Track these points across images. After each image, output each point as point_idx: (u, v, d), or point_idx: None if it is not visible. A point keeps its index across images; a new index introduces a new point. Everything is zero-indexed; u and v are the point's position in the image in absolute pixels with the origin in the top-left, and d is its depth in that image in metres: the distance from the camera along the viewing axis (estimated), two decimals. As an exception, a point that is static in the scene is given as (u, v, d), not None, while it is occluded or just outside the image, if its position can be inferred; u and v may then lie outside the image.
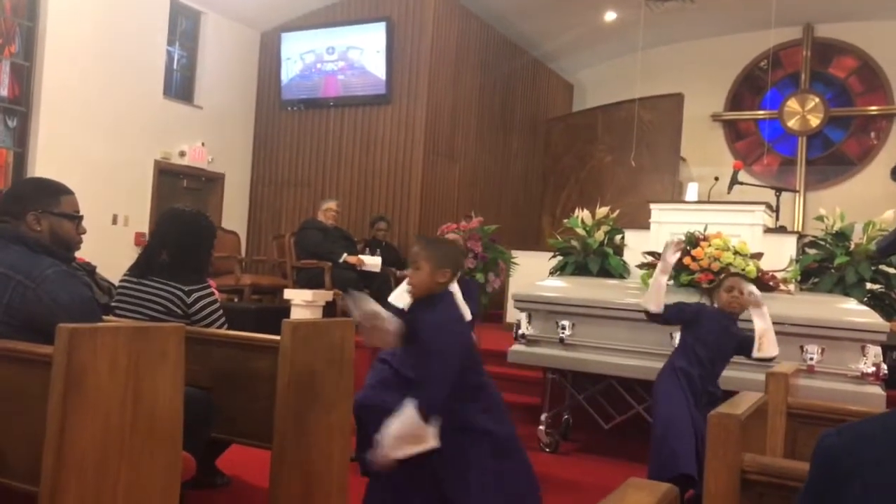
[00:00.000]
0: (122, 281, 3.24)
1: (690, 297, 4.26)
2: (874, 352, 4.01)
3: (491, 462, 2.52)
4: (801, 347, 4.07)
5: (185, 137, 8.86)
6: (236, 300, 7.46)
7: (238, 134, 9.73)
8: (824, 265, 5.25)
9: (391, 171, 9.03)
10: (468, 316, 3.28)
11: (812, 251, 5.39)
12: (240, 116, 9.74)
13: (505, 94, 10.56)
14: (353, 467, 3.04)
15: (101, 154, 7.86)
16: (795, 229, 8.65)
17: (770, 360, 3.48)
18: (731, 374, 3.71)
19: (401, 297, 3.53)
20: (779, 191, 6.60)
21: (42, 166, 7.33)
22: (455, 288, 3.26)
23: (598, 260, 5.36)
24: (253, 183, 9.95)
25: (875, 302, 5.01)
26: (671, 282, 4.61)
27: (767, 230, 5.31)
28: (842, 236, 5.24)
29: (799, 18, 10.63)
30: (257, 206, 9.92)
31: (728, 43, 11.15)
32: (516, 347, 4.83)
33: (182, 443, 2.30)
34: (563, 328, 4.62)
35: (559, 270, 5.55)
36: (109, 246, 6.81)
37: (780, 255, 4.96)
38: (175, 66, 9.04)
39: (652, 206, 5.57)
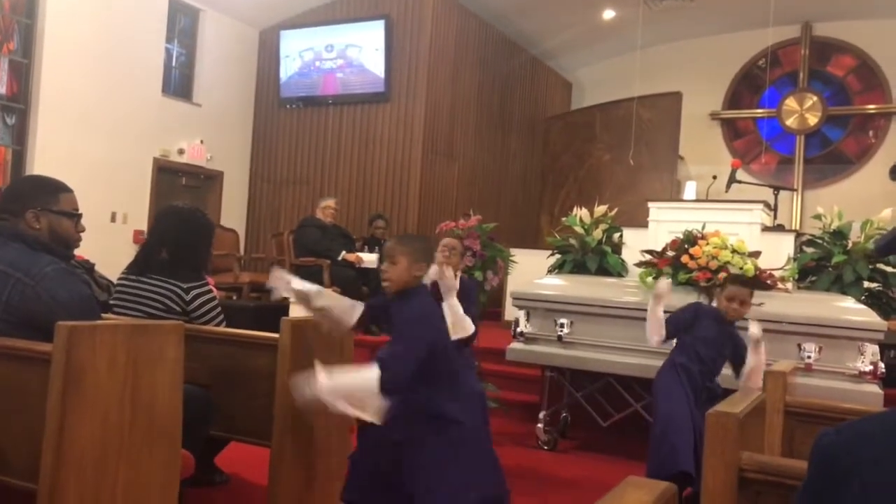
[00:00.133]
0: (120, 279, 3.24)
1: (689, 296, 4.27)
2: (872, 350, 4.02)
3: (455, 451, 2.55)
4: (799, 346, 4.07)
5: (183, 135, 8.85)
6: (235, 298, 7.46)
7: (237, 132, 9.72)
8: (822, 264, 5.25)
9: (390, 169, 9.03)
10: (469, 327, 3.41)
11: (810, 250, 5.39)
12: (238, 114, 9.73)
13: (504, 92, 10.56)
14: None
15: (100, 152, 7.85)
16: (793, 228, 8.65)
17: None
18: (730, 371, 3.71)
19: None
20: (777, 189, 6.60)
21: (41, 164, 7.33)
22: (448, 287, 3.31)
23: (597, 258, 5.36)
24: (252, 181, 9.94)
25: (873, 300, 5.01)
26: (669, 280, 4.61)
27: (765, 229, 5.31)
28: (839, 235, 5.24)
29: (797, 17, 10.63)
30: (256, 204, 9.92)
31: (726, 41, 11.15)
32: (514, 345, 4.83)
33: (181, 440, 2.30)
34: (562, 326, 4.63)
35: (557, 268, 5.55)
36: (108, 244, 6.80)
37: (777, 253, 4.96)
38: (174, 64, 9.03)
39: (650, 204, 5.57)
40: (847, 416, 2.14)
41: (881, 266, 5.11)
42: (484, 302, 5.47)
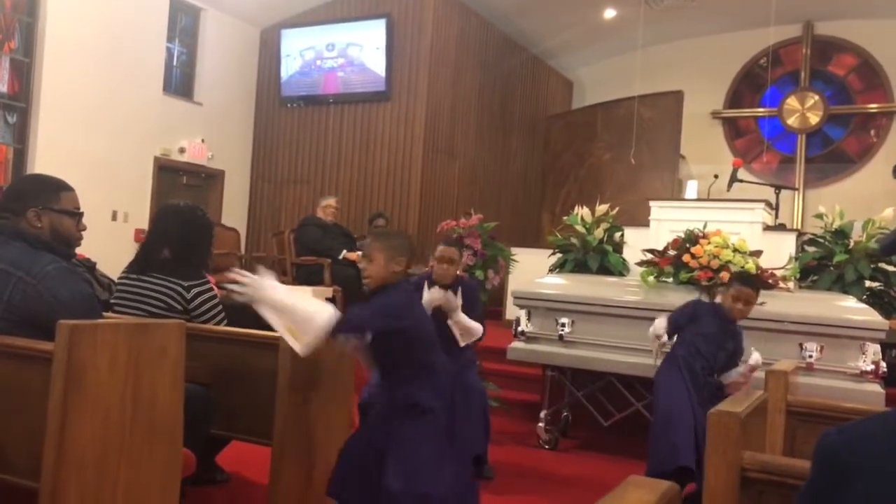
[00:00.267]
0: (121, 278, 3.24)
1: (690, 295, 4.26)
2: (873, 349, 4.02)
3: (427, 442, 2.58)
4: (801, 345, 4.07)
5: (184, 134, 8.85)
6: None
7: (238, 131, 9.72)
8: (823, 263, 5.25)
9: (391, 168, 9.03)
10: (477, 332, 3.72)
11: (811, 249, 5.40)
12: (239, 113, 9.73)
13: (504, 91, 10.55)
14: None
15: (101, 150, 7.85)
16: (795, 227, 8.65)
17: None
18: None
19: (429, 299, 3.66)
20: (778, 188, 6.59)
21: (42, 163, 7.33)
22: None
23: (598, 257, 5.36)
24: (253, 179, 9.94)
25: (874, 300, 5.01)
26: (670, 279, 4.61)
27: (767, 228, 5.31)
28: (841, 234, 5.24)
29: (799, 16, 10.62)
30: (257, 203, 9.92)
31: (728, 40, 11.15)
32: (516, 344, 4.83)
33: (182, 439, 2.30)
34: (563, 325, 4.63)
35: (559, 268, 5.55)
36: (109, 242, 6.80)
37: (779, 252, 4.96)
38: (175, 63, 9.03)
39: (651, 203, 5.57)
40: (849, 415, 2.14)
41: (883, 265, 5.11)
42: (485, 301, 5.47)
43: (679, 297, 4.09)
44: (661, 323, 3.76)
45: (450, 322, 3.86)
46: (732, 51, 11.22)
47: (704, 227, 4.78)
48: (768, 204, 5.61)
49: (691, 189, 7.21)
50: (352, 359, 2.99)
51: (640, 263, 4.92)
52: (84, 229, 2.54)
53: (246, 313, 2.67)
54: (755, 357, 3.53)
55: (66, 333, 1.95)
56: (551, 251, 5.77)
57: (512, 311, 6.49)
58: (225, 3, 9.22)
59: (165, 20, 8.62)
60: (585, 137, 10.59)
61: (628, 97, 10.00)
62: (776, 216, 6.16)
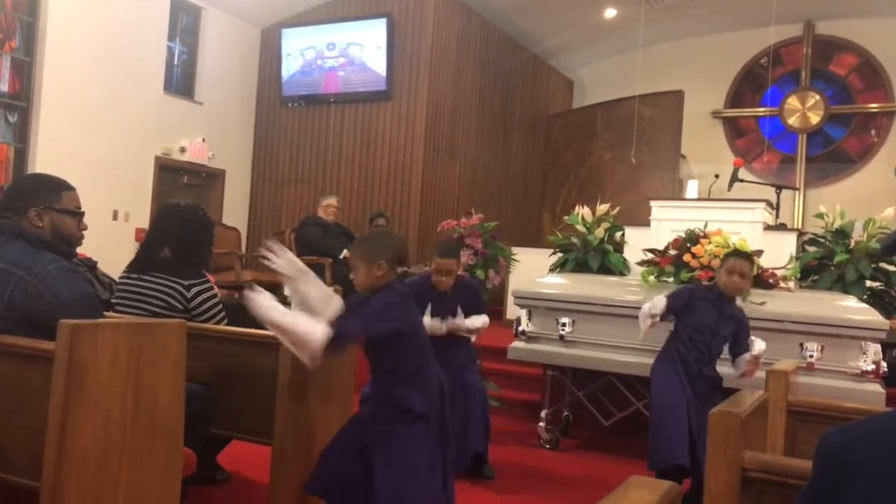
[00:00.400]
0: (122, 277, 3.24)
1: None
2: (874, 349, 4.02)
3: (420, 447, 2.61)
4: (801, 345, 4.07)
5: (185, 133, 8.85)
6: (237, 296, 7.46)
7: (238, 130, 9.72)
8: (824, 263, 5.25)
9: (391, 167, 9.03)
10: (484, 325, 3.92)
11: (812, 249, 5.39)
12: (240, 112, 9.73)
13: (505, 90, 10.55)
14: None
15: (102, 150, 7.85)
16: (795, 227, 8.65)
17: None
18: (732, 371, 3.71)
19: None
20: (779, 188, 6.60)
21: (42, 162, 7.33)
22: None
23: (599, 257, 5.36)
24: (253, 179, 9.95)
25: (875, 300, 5.01)
26: (671, 279, 4.61)
27: (767, 227, 5.31)
28: (842, 234, 5.23)
29: (799, 15, 10.62)
30: (258, 203, 9.92)
31: (728, 40, 11.14)
32: (516, 344, 4.83)
33: (183, 438, 2.30)
34: (563, 325, 4.62)
35: (559, 267, 5.55)
36: (110, 242, 6.81)
37: (780, 252, 4.96)
38: (176, 62, 9.03)
39: (652, 203, 5.57)
40: (849, 415, 2.14)
41: (883, 265, 5.11)
42: (486, 300, 5.48)
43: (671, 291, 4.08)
44: (660, 301, 3.66)
45: (461, 333, 3.95)
46: (733, 50, 11.22)
47: (705, 226, 4.78)
48: (769, 204, 5.61)
49: (692, 189, 7.22)
50: (352, 358, 2.99)
51: (641, 263, 4.92)
52: (85, 229, 2.55)
53: (246, 313, 2.68)
54: (758, 346, 3.50)
55: (68, 333, 1.95)
56: (552, 251, 5.77)
57: (512, 310, 6.50)
58: (226, 2, 9.22)
59: (166, 19, 8.62)
60: (586, 137, 10.59)
61: (629, 97, 10.00)
62: (777, 216, 6.16)
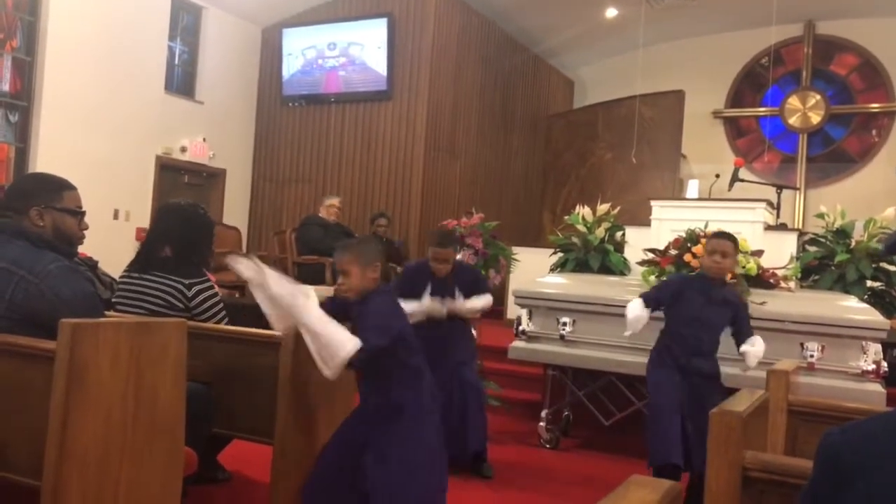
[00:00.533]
0: (122, 276, 3.24)
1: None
2: (874, 349, 4.02)
3: (413, 444, 2.61)
4: (802, 345, 4.07)
5: (186, 133, 8.86)
6: (238, 295, 7.46)
7: (239, 129, 9.72)
8: (825, 262, 5.25)
9: (392, 167, 9.03)
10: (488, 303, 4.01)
11: (813, 248, 5.39)
12: (241, 112, 9.74)
13: (506, 90, 10.56)
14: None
15: (103, 149, 7.86)
16: (796, 226, 8.65)
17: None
18: (732, 370, 3.70)
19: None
20: (780, 188, 6.59)
21: (43, 161, 7.34)
22: None
23: (599, 257, 5.35)
24: (254, 179, 9.95)
25: (875, 299, 5.00)
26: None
27: (768, 227, 5.31)
28: (842, 234, 5.23)
29: (800, 15, 10.62)
30: (258, 202, 9.92)
31: (729, 40, 11.14)
32: (517, 344, 4.83)
33: (184, 437, 2.30)
34: (564, 325, 4.62)
35: (560, 267, 5.55)
36: (111, 241, 6.81)
37: (780, 252, 4.96)
38: (176, 62, 9.04)
39: (652, 203, 5.56)
40: (850, 415, 2.14)
41: (884, 265, 5.11)
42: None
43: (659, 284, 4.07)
44: (635, 306, 3.60)
45: (464, 315, 3.96)
46: (734, 50, 11.22)
47: (706, 226, 4.78)
48: (769, 203, 5.61)
49: (692, 188, 7.22)
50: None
51: (642, 263, 4.92)
52: (86, 228, 2.55)
53: (247, 312, 2.68)
54: (755, 352, 3.44)
55: (68, 332, 1.95)
56: (552, 250, 5.77)
57: (513, 310, 6.49)
58: (226, 1, 9.22)
59: (167, 19, 8.63)
60: (586, 137, 10.59)
61: (629, 96, 10.00)
62: (777, 216, 6.16)
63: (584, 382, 4.79)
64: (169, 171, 8.77)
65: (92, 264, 3.51)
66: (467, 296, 4.00)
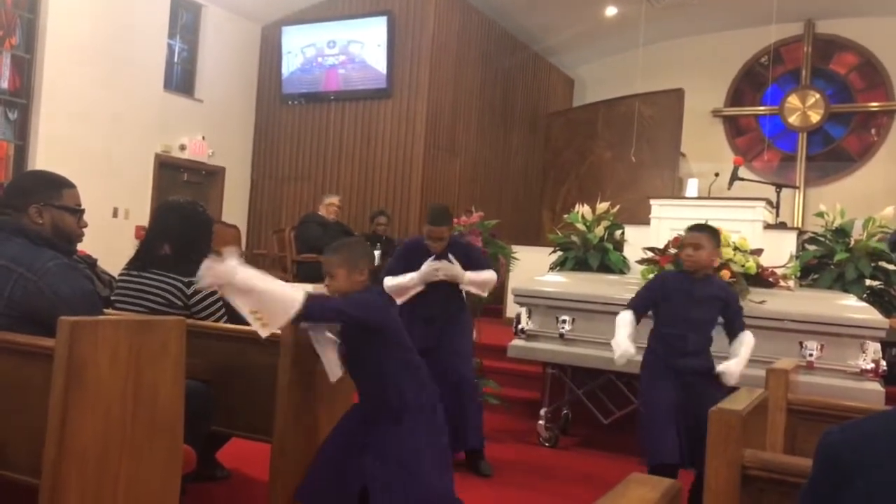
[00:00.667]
0: (121, 274, 3.24)
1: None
2: (873, 348, 4.02)
3: (416, 438, 2.61)
4: (801, 344, 4.07)
5: (185, 131, 8.85)
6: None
7: (238, 128, 9.72)
8: (824, 261, 5.25)
9: (392, 165, 9.03)
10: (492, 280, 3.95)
11: (812, 247, 5.39)
12: (240, 110, 9.73)
13: (505, 88, 10.55)
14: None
15: (102, 147, 7.85)
16: (795, 225, 8.64)
17: None
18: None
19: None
20: (779, 187, 6.59)
21: (43, 159, 7.33)
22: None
23: (598, 255, 5.35)
24: (253, 177, 9.95)
25: (874, 298, 5.01)
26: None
27: (767, 226, 5.31)
28: (842, 233, 5.23)
29: (800, 14, 10.62)
30: (258, 200, 9.92)
31: (729, 39, 11.14)
32: (516, 342, 4.83)
33: (182, 435, 2.30)
34: (563, 323, 4.62)
35: (559, 266, 5.55)
36: (110, 239, 6.80)
37: (780, 251, 4.95)
38: (176, 60, 9.03)
39: (652, 201, 5.56)
40: (849, 413, 2.14)
41: (883, 264, 5.11)
42: (485, 299, 5.50)
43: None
44: (625, 320, 3.54)
45: (462, 287, 3.93)
46: (733, 49, 11.21)
47: (705, 225, 4.77)
48: (769, 202, 5.60)
49: (692, 187, 7.20)
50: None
51: (641, 261, 4.92)
52: (85, 226, 2.54)
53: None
54: (731, 371, 3.30)
55: (67, 330, 1.95)
56: (552, 249, 5.77)
57: (512, 308, 6.49)
58: (226, -1, 9.22)
59: (166, 17, 8.62)
60: (586, 135, 10.59)
61: (629, 95, 10.01)
62: (777, 214, 6.16)
63: (583, 381, 4.79)
64: (168, 168, 8.76)
65: (91, 262, 3.50)
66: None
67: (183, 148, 8.81)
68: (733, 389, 2.34)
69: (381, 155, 9.10)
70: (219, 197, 9.45)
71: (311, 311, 2.45)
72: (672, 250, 4.71)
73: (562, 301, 4.69)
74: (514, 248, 5.76)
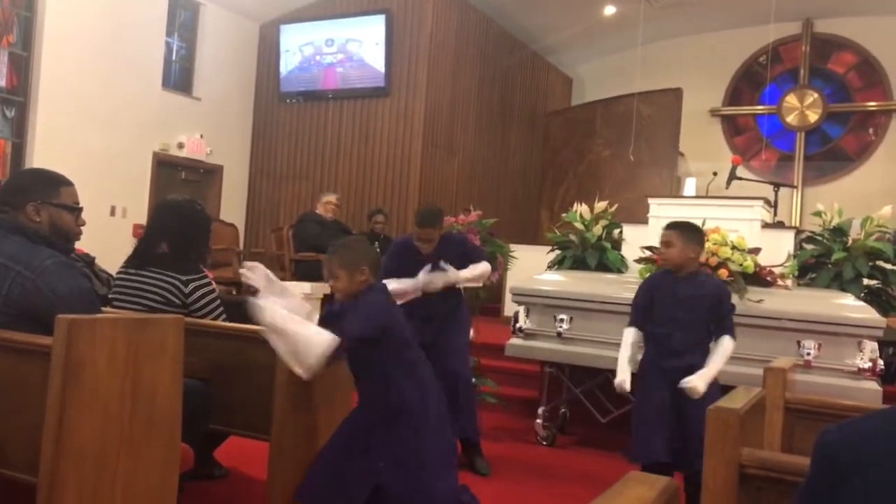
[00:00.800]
0: (119, 272, 3.24)
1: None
2: (871, 347, 4.03)
3: (418, 440, 2.61)
4: (798, 343, 4.08)
5: (183, 129, 8.85)
6: (234, 292, 7.45)
7: (237, 126, 9.71)
8: (822, 260, 5.26)
9: (390, 163, 9.03)
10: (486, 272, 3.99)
11: (810, 246, 5.40)
12: (238, 108, 9.72)
13: (504, 87, 10.55)
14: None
15: (100, 145, 7.84)
16: (793, 225, 8.65)
17: None
18: (730, 368, 3.69)
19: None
20: (777, 186, 6.59)
21: (40, 157, 7.32)
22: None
23: (597, 254, 5.35)
24: (251, 175, 9.94)
25: (872, 297, 5.01)
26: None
27: (765, 225, 5.31)
28: (839, 232, 5.24)
29: (798, 14, 10.62)
30: (256, 199, 9.91)
31: (727, 38, 11.15)
32: (514, 341, 4.83)
33: (180, 434, 2.30)
34: (561, 322, 4.63)
35: (557, 264, 5.55)
36: (108, 237, 6.80)
37: (777, 250, 4.96)
38: (174, 58, 9.02)
39: (650, 200, 5.56)
40: (846, 412, 2.14)
41: (881, 263, 5.12)
42: (483, 297, 5.50)
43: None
44: (627, 338, 3.52)
45: (460, 286, 3.95)
46: (732, 48, 11.22)
47: (703, 224, 4.77)
48: (767, 201, 5.61)
49: (690, 186, 7.21)
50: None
51: (639, 260, 4.92)
52: (83, 224, 2.54)
53: (243, 308, 2.67)
54: (692, 387, 3.13)
55: (65, 328, 1.95)
56: (550, 248, 5.77)
57: (510, 307, 6.48)
58: (224, -3, 9.21)
59: (165, 15, 8.62)
60: (585, 134, 10.59)
61: (628, 94, 10.00)
62: (775, 214, 6.16)
63: (580, 380, 4.79)
64: (166, 167, 8.76)
65: (89, 260, 3.50)
66: (460, 268, 3.96)
67: (181, 146, 8.80)
68: (725, 389, 2.32)
69: (379, 153, 9.09)
70: (217, 195, 9.44)
71: (341, 344, 2.46)
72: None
73: (560, 300, 4.69)
74: (513, 246, 5.76)
